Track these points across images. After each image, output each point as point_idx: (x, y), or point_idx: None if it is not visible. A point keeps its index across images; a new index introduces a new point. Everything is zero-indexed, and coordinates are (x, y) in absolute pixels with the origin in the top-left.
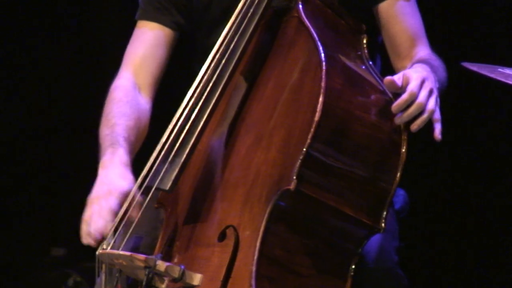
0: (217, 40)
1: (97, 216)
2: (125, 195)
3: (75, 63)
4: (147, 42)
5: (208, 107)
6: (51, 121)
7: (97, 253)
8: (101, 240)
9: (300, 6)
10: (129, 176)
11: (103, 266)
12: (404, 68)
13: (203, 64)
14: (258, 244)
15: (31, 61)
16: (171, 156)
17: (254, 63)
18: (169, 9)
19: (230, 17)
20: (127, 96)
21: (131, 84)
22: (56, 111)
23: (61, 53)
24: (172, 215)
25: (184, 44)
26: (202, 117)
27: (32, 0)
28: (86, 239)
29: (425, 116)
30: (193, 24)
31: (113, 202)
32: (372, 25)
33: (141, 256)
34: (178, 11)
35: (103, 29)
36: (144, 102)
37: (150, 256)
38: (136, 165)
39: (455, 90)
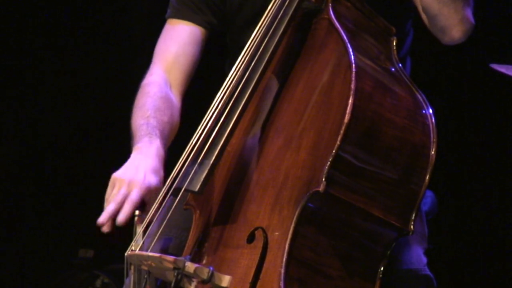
0: (247, 41)
1: (113, 201)
2: (150, 192)
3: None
4: (180, 40)
5: (237, 109)
6: (77, 125)
7: (126, 254)
8: (106, 221)
9: (331, 8)
10: (161, 173)
11: (132, 267)
12: None
13: (233, 65)
14: (287, 246)
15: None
16: (200, 158)
17: (284, 65)
18: (202, 9)
19: (262, 17)
20: (161, 92)
21: (164, 81)
22: (86, 115)
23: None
24: (201, 216)
25: (216, 46)
26: (232, 118)
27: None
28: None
29: None
30: (225, 24)
31: (134, 194)
32: (402, 27)
33: (170, 258)
34: (210, 11)
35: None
36: (175, 101)
37: (179, 258)
38: (166, 166)
39: (483, 92)
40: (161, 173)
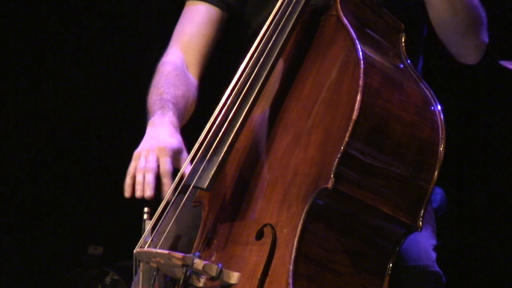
0: (260, 26)
1: (148, 172)
2: (175, 153)
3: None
4: (196, 21)
5: (246, 106)
6: (86, 122)
7: (134, 251)
8: (149, 196)
9: (339, 4)
10: (178, 136)
11: (141, 264)
12: None
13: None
14: (295, 242)
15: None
16: (209, 155)
17: (292, 62)
18: None
19: (274, 1)
20: (176, 70)
21: (180, 60)
22: (96, 110)
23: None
24: (210, 213)
25: (222, 43)
26: (241, 115)
27: None
28: (129, 192)
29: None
30: (242, 4)
31: (165, 161)
32: (415, 25)
33: (179, 254)
34: None
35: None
36: (192, 79)
37: (188, 255)
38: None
39: (492, 88)
40: (178, 136)
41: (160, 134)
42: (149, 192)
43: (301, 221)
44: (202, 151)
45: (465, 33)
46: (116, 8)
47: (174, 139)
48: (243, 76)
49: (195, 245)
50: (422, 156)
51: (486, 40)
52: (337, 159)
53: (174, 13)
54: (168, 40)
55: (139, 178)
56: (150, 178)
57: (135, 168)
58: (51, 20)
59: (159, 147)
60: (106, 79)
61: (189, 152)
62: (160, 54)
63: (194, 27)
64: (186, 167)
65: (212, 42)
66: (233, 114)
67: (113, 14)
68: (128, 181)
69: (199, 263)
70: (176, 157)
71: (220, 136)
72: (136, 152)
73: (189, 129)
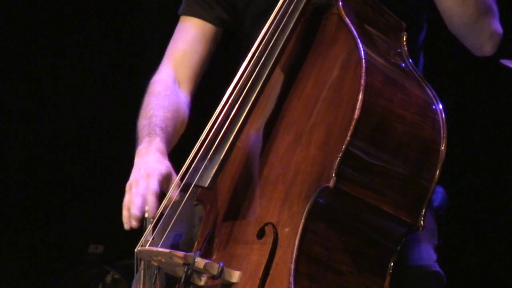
0: (259, 36)
1: (136, 197)
2: (164, 177)
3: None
4: (189, 38)
5: (247, 105)
6: (85, 122)
7: (136, 250)
8: (141, 218)
9: (341, 3)
10: (166, 162)
11: (142, 263)
12: None
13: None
14: (297, 241)
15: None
16: (210, 153)
17: (294, 61)
18: (211, 5)
19: (274, 10)
20: (166, 90)
21: (171, 79)
22: (96, 109)
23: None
24: (211, 212)
25: (227, 41)
26: (242, 114)
27: None
28: (128, 224)
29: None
30: (237, 18)
31: (152, 182)
32: (414, 22)
33: (180, 253)
34: (221, 7)
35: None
36: (184, 97)
37: (189, 253)
38: (176, 162)
39: (493, 87)
40: (165, 162)
41: (148, 162)
42: (137, 212)
43: (303, 220)
44: (203, 150)
45: (475, 24)
46: (116, 8)
47: (162, 165)
48: (245, 74)
49: (196, 243)
50: (424, 155)
51: (500, 30)
52: (338, 158)
53: (174, 14)
54: (166, 44)
55: (133, 212)
56: (139, 201)
57: (129, 201)
58: (51, 20)
59: (147, 173)
60: (106, 79)
61: (190, 151)
62: (160, 55)
63: (186, 44)
64: (178, 183)
65: (206, 58)
66: (235, 112)
67: (113, 14)
68: (125, 213)
69: (200, 262)
70: (164, 181)
71: (222, 135)
72: (127, 185)
73: (191, 127)
